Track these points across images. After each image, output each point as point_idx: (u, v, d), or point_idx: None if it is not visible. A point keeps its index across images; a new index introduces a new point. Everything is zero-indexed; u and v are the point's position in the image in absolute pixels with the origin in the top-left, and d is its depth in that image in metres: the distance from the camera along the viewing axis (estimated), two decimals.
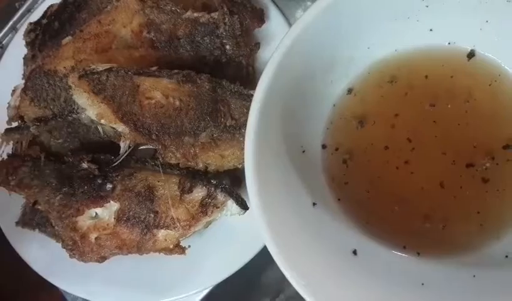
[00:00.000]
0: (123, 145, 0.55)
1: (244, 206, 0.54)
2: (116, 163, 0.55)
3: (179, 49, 0.57)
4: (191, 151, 0.54)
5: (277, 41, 0.45)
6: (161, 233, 0.54)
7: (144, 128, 0.52)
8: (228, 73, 0.59)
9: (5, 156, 0.60)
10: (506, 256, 0.46)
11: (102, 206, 0.55)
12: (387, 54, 0.51)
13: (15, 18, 0.73)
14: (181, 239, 0.55)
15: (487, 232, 0.47)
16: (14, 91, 0.62)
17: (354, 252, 0.47)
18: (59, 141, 0.60)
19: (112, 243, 0.55)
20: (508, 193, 0.48)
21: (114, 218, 0.54)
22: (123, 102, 0.52)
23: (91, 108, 0.52)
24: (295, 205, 0.47)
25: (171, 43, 0.57)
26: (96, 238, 0.56)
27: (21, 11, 0.74)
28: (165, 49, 0.57)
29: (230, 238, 0.58)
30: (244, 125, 0.48)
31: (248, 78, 0.60)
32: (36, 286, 0.65)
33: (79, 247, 0.57)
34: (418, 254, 0.48)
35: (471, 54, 0.50)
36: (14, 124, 0.61)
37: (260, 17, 0.60)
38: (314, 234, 0.46)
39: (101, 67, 0.52)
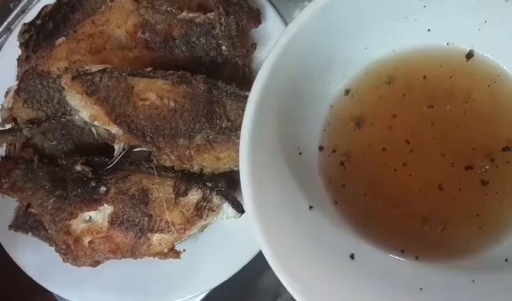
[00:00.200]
0: (117, 147, 0.54)
1: (240, 209, 0.54)
2: (110, 166, 0.55)
3: (174, 49, 0.57)
4: (186, 153, 0.53)
5: (274, 42, 0.44)
6: (155, 237, 0.53)
7: (137, 130, 0.52)
8: (224, 73, 0.58)
9: None
10: (506, 260, 0.45)
11: (96, 209, 0.54)
12: (385, 55, 0.50)
13: (9, 19, 0.73)
14: (175, 243, 0.54)
15: (487, 235, 0.47)
16: (7, 92, 0.62)
17: (352, 256, 0.46)
18: (53, 143, 0.59)
19: (106, 247, 0.54)
20: (508, 195, 0.47)
21: (108, 221, 0.54)
22: (117, 104, 0.51)
23: (84, 110, 0.51)
24: (291, 208, 0.46)
25: (166, 44, 0.56)
26: (89, 242, 0.55)
27: (15, 12, 0.73)
28: (160, 50, 0.56)
29: (226, 242, 0.57)
30: (240, 126, 0.47)
31: (244, 79, 0.59)
32: (30, 289, 0.64)
33: (72, 251, 0.56)
34: (417, 258, 0.47)
35: (470, 55, 0.49)
36: (8, 126, 0.60)
37: (257, 17, 0.60)
38: (311, 238, 0.45)
39: (94, 68, 0.51)
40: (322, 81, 0.50)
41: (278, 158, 0.46)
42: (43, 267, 0.61)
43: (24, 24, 0.64)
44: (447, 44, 0.49)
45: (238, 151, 0.48)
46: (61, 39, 0.57)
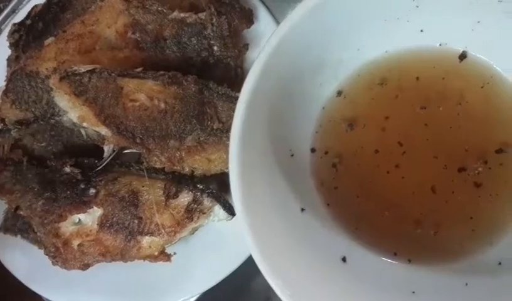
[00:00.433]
0: (107, 149, 0.53)
1: (231, 212, 0.53)
2: (99, 168, 0.54)
3: (165, 50, 0.56)
4: (177, 155, 0.52)
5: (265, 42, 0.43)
6: (145, 240, 0.52)
7: (127, 131, 0.51)
8: (215, 74, 0.58)
9: None
10: (499, 263, 0.44)
11: (85, 212, 0.53)
12: (377, 56, 0.50)
13: None
14: (166, 246, 0.53)
15: (480, 238, 0.46)
16: None
17: (344, 259, 0.46)
18: (43, 144, 0.58)
19: (95, 250, 0.54)
20: (501, 198, 0.46)
21: (97, 224, 0.53)
22: (106, 104, 0.50)
23: (72, 111, 0.50)
24: (283, 210, 0.45)
25: (157, 44, 0.56)
26: (79, 245, 0.54)
27: (5, 12, 0.72)
28: (150, 50, 0.56)
29: (218, 244, 0.57)
30: None
31: (236, 79, 0.59)
32: (19, 292, 0.63)
33: (61, 254, 0.55)
34: (409, 261, 0.46)
35: (463, 56, 0.48)
36: None
37: (249, 17, 0.59)
38: (302, 241, 0.45)
39: (83, 68, 0.50)
40: (314, 82, 0.49)
41: (269, 160, 0.46)
42: (32, 270, 0.60)
43: (14, 24, 0.63)
44: (440, 45, 0.49)
45: None
46: (50, 39, 0.56)
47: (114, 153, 0.54)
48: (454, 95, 0.48)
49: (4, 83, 0.60)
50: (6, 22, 0.71)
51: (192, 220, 0.52)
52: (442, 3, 0.45)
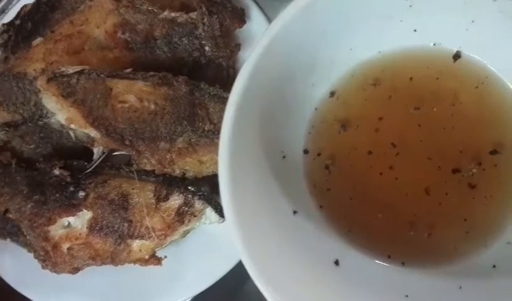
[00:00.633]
0: (97, 151, 0.53)
1: (223, 214, 0.52)
2: (89, 170, 0.53)
3: (155, 50, 0.55)
4: (167, 157, 0.51)
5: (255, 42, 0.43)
6: (136, 243, 0.52)
7: (116, 133, 0.50)
8: (207, 75, 0.57)
9: None
10: (494, 266, 0.44)
11: (74, 215, 0.53)
12: (370, 56, 0.49)
13: None
14: (156, 249, 0.53)
15: (474, 240, 0.46)
16: None
17: (336, 262, 0.45)
18: (31, 146, 0.57)
19: (85, 254, 0.53)
20: (495, 199, 0.46)
21: (87, 227, 0.52)
22: (95, 106, 0.50)
23: (60, 113, 0.49)
24: (274, 213, 0.45)
25: (147, 44, 0.55)
26: (68, 248, 0.53)
27: None
28: (141, 51, 0.55)
29: (210, 247, 0.56)
30: None
31: (228, 80, 0.58)
32: (8, 297, 0.62)
33: (51, 257, 0.54)
34: (403, 263, 0.46)
35: (457, 56, 0.48)
36: None
37: (241, 17, 0.58)
38: (294, 244, 0.44)
39: (71, 69, 0.50)
40: (306, 83, 0.49)
41: (260, 162, 0.45)
42: (22, 274, 0.59)
43: (3, 24, 0.62)
44: (434, 44, 0.48)
45: None
46: (38, 40, 0.55)
47: (104, 156, 0.53)
48: (448, 96, 0.48)
49: None
50: None
51: (183, 223, 0.51)
52: (436, 2, 0.44)
